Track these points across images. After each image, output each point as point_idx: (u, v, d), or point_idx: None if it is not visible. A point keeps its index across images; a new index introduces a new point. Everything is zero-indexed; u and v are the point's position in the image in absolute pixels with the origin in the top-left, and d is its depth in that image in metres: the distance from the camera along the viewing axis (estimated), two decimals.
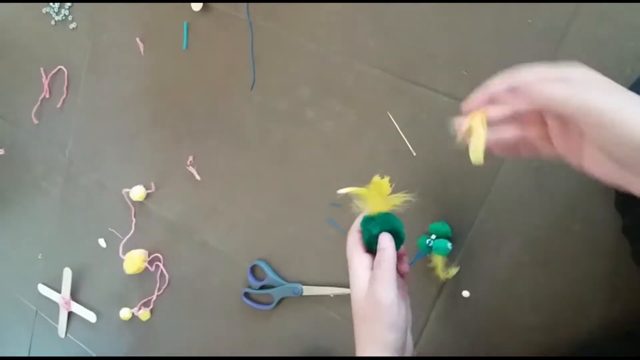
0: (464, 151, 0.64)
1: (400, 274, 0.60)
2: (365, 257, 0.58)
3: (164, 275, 0.98)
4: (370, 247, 0.58)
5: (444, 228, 0.72)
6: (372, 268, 0.57)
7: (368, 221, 0.59)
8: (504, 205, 0.69)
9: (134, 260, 0.97)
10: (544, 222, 0.66)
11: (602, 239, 0.63)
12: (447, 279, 0.72)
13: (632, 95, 0.37)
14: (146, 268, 0.99)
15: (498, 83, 0.43)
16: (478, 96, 0.45)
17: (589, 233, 0.64)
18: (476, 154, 0.44)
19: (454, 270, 0.71)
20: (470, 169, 0.70)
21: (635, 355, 0.60)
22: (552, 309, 0.68)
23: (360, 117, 0.77)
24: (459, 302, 0.74)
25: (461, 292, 0.73)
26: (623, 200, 0.45)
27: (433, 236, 0.72)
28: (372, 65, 0.75)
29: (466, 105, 0.46)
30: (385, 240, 0.56)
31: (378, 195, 0.59)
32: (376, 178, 0.59)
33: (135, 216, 1.00)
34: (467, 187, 0.71)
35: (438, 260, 0.71)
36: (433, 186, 0.73)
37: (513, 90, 0.42)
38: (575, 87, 0.38)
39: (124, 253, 0.99)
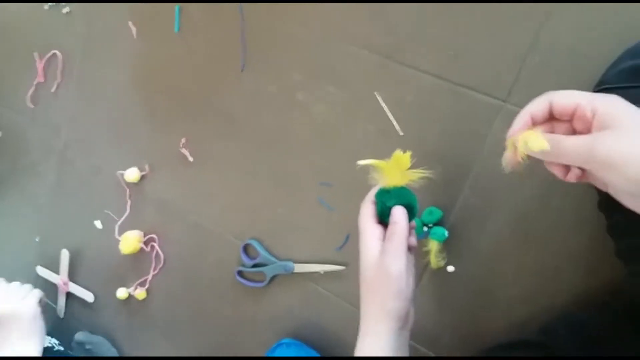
0: (449, 130, 0.67)
1: (409, 247, 0.62)
2: (377, 228, 0.60)
3: (159, 255, 1.01)
4: (383, 219, 0.60)
5: (437, 214, 0.74)
6: (382, 239, 0.59)
7: (383, 193, 0.61)
8: (487, 183, 0.71)
9: (130, 241, 0.99)
10: (525, 199, 0.69)
11: (580, 214, 0.66)
12: (438, 268, 0.75)
13: None
14: (142, 248, 1.01)
15: (535, 108, 0.49)
16: (519, 121, 0.50)
17: (567, 208, 0.67)
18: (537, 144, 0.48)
19: (443, 262, 0.74)
20: (455, 148, 0.73)
21: (610, 324, 0.64)
22: (532, 280, 0.71)
23: (350, 99, 0.79)
24: (445, 276, 0.76)
25: (446, 267, 0.76)
26: (606, 201, 0.48)
27: (430, 224, 0.75)
28: (360, 46, 0.77)
29: (510, 132, 0.51)
30: (399, 214, 0.58)
31: (397, 169, 0.61)
32: (397, 152, 0.60)
33: (130, 198, 1.02)
34: (451, 165, 0.73)
35: (433, 246, 0.74)
36: (419, 164, 0.75)
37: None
38: (589, 139, 0.44)
39: (120, 234, 1.02)
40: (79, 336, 1.11)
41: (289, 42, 0.82)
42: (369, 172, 0.63)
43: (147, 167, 0.99)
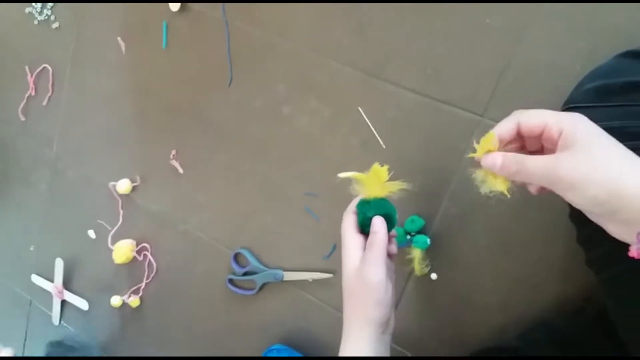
0: (430, 144, 0.70)
1: (389, 255, 0.65)
2: (358, 237, 0.63)
3: (152, 264, 1.03)
4: (364, 229, 0.63)
5: (419, 222, 0.76)
6: (363, 248, 0.62)
7: (364, 204, 0.63)
8: (466, 195, 0.73)
9: (123, 250, 1.02)
10: (502, 210, 0.72)
11: (555, 223, 0.69)
12: (422, 274, 0.77)
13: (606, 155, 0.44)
14: (134, 257, 1.03)
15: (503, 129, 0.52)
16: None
17: (542, 219, 0.69)
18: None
19: (427, 269, 0.77)
20: (435, 160, 0.75)
21: (584, 329, 0.67)
22: (510, 288, 0.73)
23: (334, 113, 0.81)
24: (428, 284, 0.79)
25: (430, 274, 0.79)
26: (576, 213, 0.51)
27: (412, 233, 0.77)
28: (344, 63, 0.79)
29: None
30: (378, 224, 0.60)
31: (376, 181, 0.63)
32: (376, 165, 0.62)
33: (122, 208, 1.04)
34: (432, 177, 0.76)
35: (417, 254, 0.76)
36: (401, 176, 0.77)
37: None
38: (551, 160, 0.46)
39: (113, 243, 1.04)
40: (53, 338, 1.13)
41: (275, 57, 0.84)
42: (351, 183, 0.65)
43: (138, 178, 1.01)
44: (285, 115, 0.85)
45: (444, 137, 0.74)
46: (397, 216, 0.63)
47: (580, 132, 0.46)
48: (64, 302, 1.18)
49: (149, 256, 1.03)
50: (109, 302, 1.08)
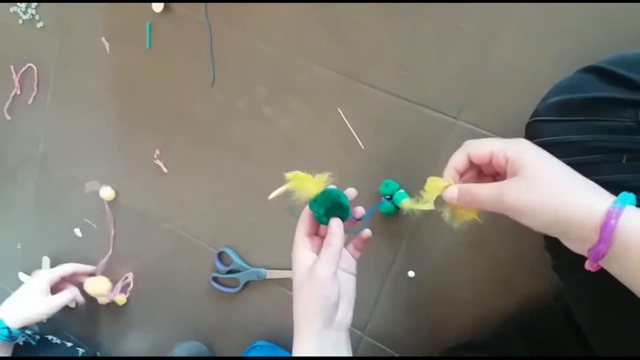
0: (406, 145, 0.71)
1: (361, 243, 0.67)
2: (306, 241, 0.64)
3: (136, 264, 1.04)
4: (322, 223, 0.64)
5: (393, 185, 0.77)
6: (311, 250, 0.63)
7: (312, 204, 0.64)
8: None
9: (96, 287, 1.05)
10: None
11: None
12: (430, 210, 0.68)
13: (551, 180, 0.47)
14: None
15: (456, 161, 0.56)
16: (446, 176, 0.57)
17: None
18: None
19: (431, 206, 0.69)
20: (412, 161, 0.77)
21: (553, 326, 0.69)
22: (484, 285, 0.76)
23: (314, 114, 0.83)
24: (405, 281, 0.81)
25: (407, 272, 0.80)
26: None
27: (388, 195, 0.77)
28: (324, 65, 0.81)
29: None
30: (335, 226, 0.62)
31: (305, 182, 0.64)
32: (287, 174, 0.64)
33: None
34: (409, 177, 0.77)
35: (407, 205, 0.67)
36: (380, 176, 0.79)
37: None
38: (497, 189, 0.50)
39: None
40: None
41: (257, 59, 0.85)
42: (291, 195, 0.65)
43: (121, 183, 1.02)
44: (266, 116, 0.86)
45: (420, 138, 0.76)
46: (346, 201, 0.63)
47: (525, 159, 0.49)
48: None
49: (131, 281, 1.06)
50: (96, 299, 1.09)
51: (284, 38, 0.83)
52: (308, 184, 0.63)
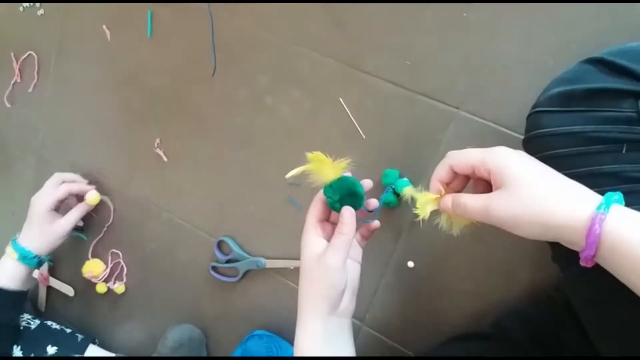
0: (408, 135, 0.71)
1: (368, 232, 0.67)
2: (317, 227, 0.64)
3: (134, 256, 1.04)
4: (334, 209, 0.64)
5: (394, 173, 0.77)
6: (321, 235, 0.63)
7: (327, 189, 0.64)
8: None
9: (91, 267, 1.06)
10: None
11: None
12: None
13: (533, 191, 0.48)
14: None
15: (440, 174, 0.58)
16: (432, 189, 0.59)
17: None
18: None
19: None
20: (413, 151, 0.77)
21: (554, 317, 0.69)
22: (485, 277, 0.76)
23: (315, 103, 0.83)
24: (405, 272, 0.81)
25: (407, 262, 0.80)
26: None
27: (391, 187, 0.76)
28: (325, 54, 0.80)
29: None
30: (347, 215, 0.62)
31: (324, 166, 0.63)
32: (309, 154, 0.63)
33: (106, 195, 1.05)
34: (410, 166, 0.77)
35: (409, 192, 0.67)
36: (381, 166, 0.79)
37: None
38: (484, 204, 0.51)
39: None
40: None
41: (258, 48, 0.85)
42: (308, 177, 0.65)
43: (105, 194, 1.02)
44: (267, 105, 0.86)
45: (421, 128, 0.75)
46: (361, 189, 0.63)
47: (505, 172, 0.50)
48: (49, 289, 1.19)
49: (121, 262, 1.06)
50: (94, 288, 1.09)
51: (285, 26, 0.82)
52: (326, 168, 0.63)
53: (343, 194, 0.62)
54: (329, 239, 0.62)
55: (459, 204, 0.55)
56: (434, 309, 0.81)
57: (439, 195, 0.58)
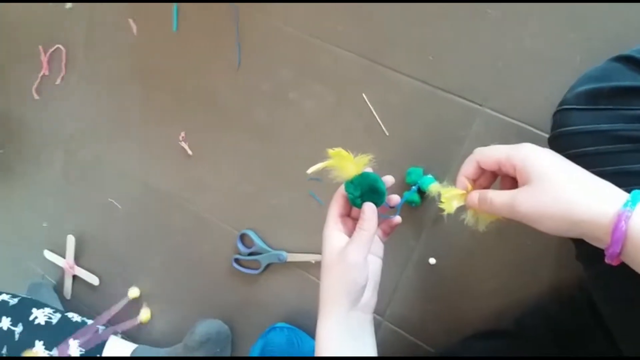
0: (431, 131, 0.71)
1: (388, 228, 0.67)
2: (338, 222, 0.64)
3: (160, 245, 1.06)
4: (355, 206, 0.64)
5: (417, 171, 0.77)
6: (342, 231, 0.64)
7: (349, 185, 0.64)
8: None
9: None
10: None
11: None
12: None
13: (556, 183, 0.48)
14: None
15: (467, 170, 0.58)
16: (459, 184, 0.59)
17: None
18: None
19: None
20: (436, 147, 0.77)
21: (577, 316, 0.68)
22: (506, 274, 0.75)
23: (338, 98, 0.83)
24: (426, 268, 0.81)
25: (428, 259, 0.80)
26: None
27: (414, 183, 0.76)
28: (349, 49, 0.80)
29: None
30: (369, 211, 0.62)
31: (345, 162, 0.63)
32: (331, 150, 0.63)
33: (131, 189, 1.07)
34: (433, 163, 0.77)
35: (434, 189, 0.65)
36: (403, 162, 0.79)
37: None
38: (510, 199, 0.51)
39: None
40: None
41: (282, 43, 0.85)
42: (330, 172, 0.65)
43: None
44: (290, 100, 0.86)
45: (445, 125, 0.75)
46: (382, 185, 0.63)
47: (531, 168, 0.50)
48: (75, 278, 1.22)
49: None
50: (119, 277, 1.11)
51: (309, 22, 0.83)
52: (348, 164, 0.63)
53: (364, 190, 0.62)
54: (349, 234, 0.63)
55: (485, 199, 0.55)
56: (455, 306, 0.81)
57: (465, 192, 0.58)
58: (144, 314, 1.09)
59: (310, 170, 0.63)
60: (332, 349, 0.61)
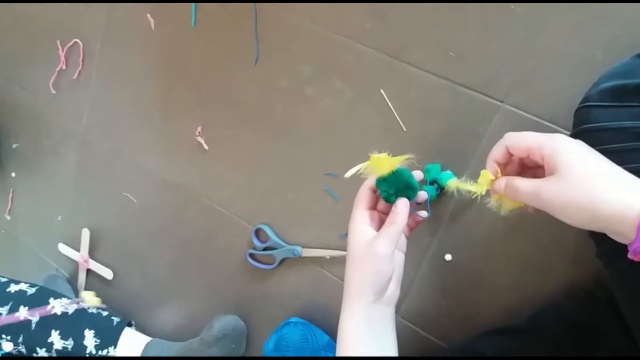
0: (450, 128, 0.71)
1: (411, 228, 0.68)
2: (366, 215, 0.65)
3: (174, 239, 1.06)
4: (388, 202, 0.64)
5: (435, 167, 0.76)
6: (369, 223, 0.64)
7: (381, 183, 0.64)
8: None
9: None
10: None
11: None
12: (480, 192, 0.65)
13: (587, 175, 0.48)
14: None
15: (496, 154, 0.58)
16: (488, 167, 0.59)
17: None
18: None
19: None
20: (455, 144, 0.77)
21: (594, 313, 0.68)
22: (521, 271, 0.75)
23: (356, 94, 0.83)
24: (442, 264, 0.81)
25: (444, 255, 0.81)
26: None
27: (432, 180, 0.75)
28: (368, 45, 0.80)
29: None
30: (402, 206, 0.62)
31: (382, 163, 0.63)
32: (373, 154, 0.63)
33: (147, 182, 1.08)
34: (450, 160, 0.77)
35: (453, 185, 0.68)
36: (421, 159, 0.79)
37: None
38: (536, 186, 0.51)
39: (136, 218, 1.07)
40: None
41: (300, 38, 0.86)
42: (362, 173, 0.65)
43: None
44: (308, 96, 0.87)
45: (464, 121, 0.75)
46: (415, 182, 0.64)
47: (560, 159, 0.50)
48: (89, 271, 1.23)
49: None
50: (133, 271, 1.12)
51: (328, 17, 0.83)
52: (384, 164, 0.63)
53: (400, 187, 0.63)
54: (376, 227, 0.63)
55: (512, 185, 0.55)
56: (470, 301, 0.81)
57: (494, 178, 0.58)
58: (87, 296, 1.09)
59: (349, 173, 0.62)
60: (354, 340, 0.61)
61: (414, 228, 0.68)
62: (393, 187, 0.63)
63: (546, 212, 0.52)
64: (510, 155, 0.57)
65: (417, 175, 0.65)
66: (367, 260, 0.61)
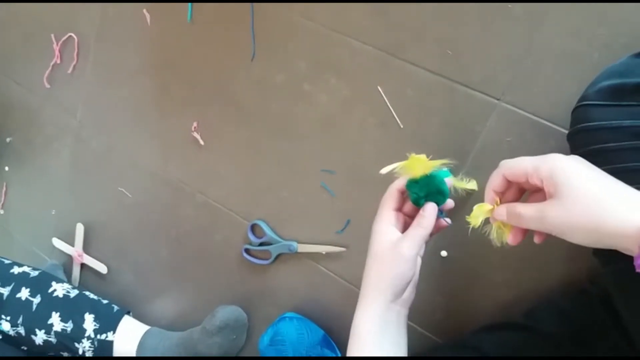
0: (447, 125, 0.72)
1: (432, 233, 0.67)
2: (392, 216, 0.65)
3: (170, 234, 1.06)
4: (417, 205, 0.65)
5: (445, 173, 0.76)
6: (394, 225, 0.64)
7: (412, 184, 0.64)
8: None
9: None
10: None
11: None
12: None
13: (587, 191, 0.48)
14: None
15: (494, 183, 0.58)
16: (487, 198, 0.60)
17: None
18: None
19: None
20: (451, 142, 0.77)
21: (588, 310, 0.69)
22: (517, 267, 0.76)
23: (353, 91, 0.83)
24: (438, 260, 0.82)
25: (440, 252, 0.81)
26: None
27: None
28: (365, 42, 0.81)
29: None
30: (431, 210, 0.63)
31: (417, 164, 0.64)
32: (413, 154, 0.63)
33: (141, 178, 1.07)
34: (447, 156, 0.76)
35: (451, 182, 0.68)
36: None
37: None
38: (539, 212, 0.51)
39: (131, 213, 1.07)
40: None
41: (297, 35, 0.85)
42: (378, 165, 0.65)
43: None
44: (305, 92, 0.87)
45: (461, 119, 0.76)
46: (447, 188, 0.64)
47: (558, 179, 0.50)
48: (83, 266, 1.22)
49: None
50: (127, 265, 1.11)
51: (325, 13, 0.83)
52: (419, 165, 0.63)
53: (431, 191, 0.63)
54: (400, 229, 0.64)
55: (514, 213, 0.55)
56: (466, 298, 0.81)
57: (493, 206, 0.59)
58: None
59: (385, 170, 0.63)
60: (368, 338, 0.62)
61: (434, 234, 0.68)
62: (424, 190, 0.63)
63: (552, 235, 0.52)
64: (509, 182, 0.57)
65: (448, 182, 0.65)
66: (390, 261, 0.61)
